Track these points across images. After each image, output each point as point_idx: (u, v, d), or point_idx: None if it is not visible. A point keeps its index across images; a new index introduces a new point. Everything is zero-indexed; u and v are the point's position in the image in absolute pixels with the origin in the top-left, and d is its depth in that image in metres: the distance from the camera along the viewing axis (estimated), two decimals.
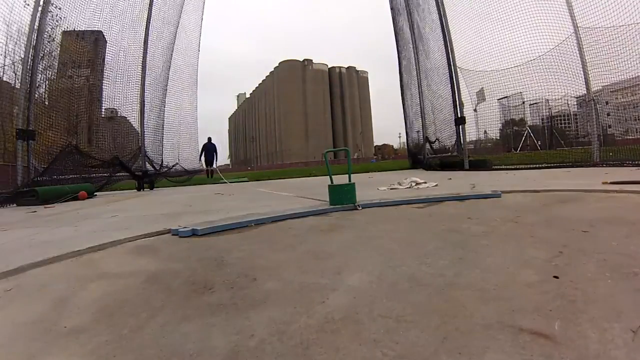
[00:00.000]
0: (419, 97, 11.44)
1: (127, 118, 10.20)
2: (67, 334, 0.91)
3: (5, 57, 6.91)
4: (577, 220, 1.85)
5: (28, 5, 6.85)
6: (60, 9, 7.66)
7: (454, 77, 9.20)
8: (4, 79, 7.20)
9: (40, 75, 7.38)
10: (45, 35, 7.29)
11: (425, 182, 4.46)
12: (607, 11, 6.22)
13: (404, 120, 12.95)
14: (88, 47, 9.11)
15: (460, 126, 9.09)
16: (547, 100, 9.54)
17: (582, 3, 6.57)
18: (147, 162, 10.20)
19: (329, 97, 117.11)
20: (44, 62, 7.57)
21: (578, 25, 6.71)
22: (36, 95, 7.25)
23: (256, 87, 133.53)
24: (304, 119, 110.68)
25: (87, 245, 1.89)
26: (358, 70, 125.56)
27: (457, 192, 3.16)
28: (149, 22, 10.37)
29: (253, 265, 1.43)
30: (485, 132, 10.69)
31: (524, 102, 9.95)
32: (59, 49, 8.11)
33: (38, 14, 6.99)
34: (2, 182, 6.68)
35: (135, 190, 9.06)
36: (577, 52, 6.75)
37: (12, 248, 2.06)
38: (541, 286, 1.01)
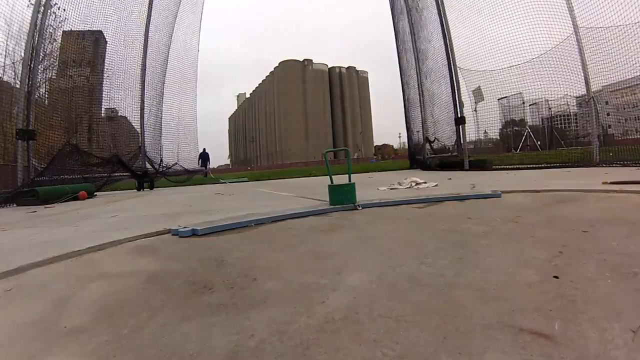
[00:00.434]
0: (419, 97, 11.44)
1: (127, 118, 10.20)
2: (67, 334, 0.91)
3: (5, 57, 6.92)
4: (577, 220, 1.85)
5: (32, 4, 6.85)
6: (64, 10, 7.67)
7: (454, 77, 9.20)
8: (4, 79, 7.20)
9: (40, 75, 7.38)
10: (46, 35, 7.29)
11: (425, 182, 4.46)
12: (607, 11, 6.22)
13: (404, 120, 12.95)
14: (88, 47, 9.12)
15: (460, 126, 9.09)
16: (547, 100, 9.54)
17: (582, 3, 6.57)
18: (147, 162, 10.20)
19: (329, 97, 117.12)
20: (45, 62, 7.57)
21: (578, 25, 6.71)
22: (36, 95, 7.25)
23: (256, 87, 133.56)
24: (304, 119, 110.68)
25: (87, 245, 1.89)
26: (358, 70, 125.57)
27: (457, 192, 3.16)
28: (149, 22, 10.37)
29: (253, 265, 1.43)
30: (485, 132, 10.69)
31: (523, 102, 9.94)
32: (59, 49, 8.11)
33: (39, 14, 6.99)
34: (2, 182, 6.68)
35: (135, 190, 9.06)
36: (577, 52, 6.75)
37: (12, 248, 2.06)
38: (541, 286, 1.01)
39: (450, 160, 9.31)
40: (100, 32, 9.11)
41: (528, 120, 12.69)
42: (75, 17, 8.09)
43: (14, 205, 5.92)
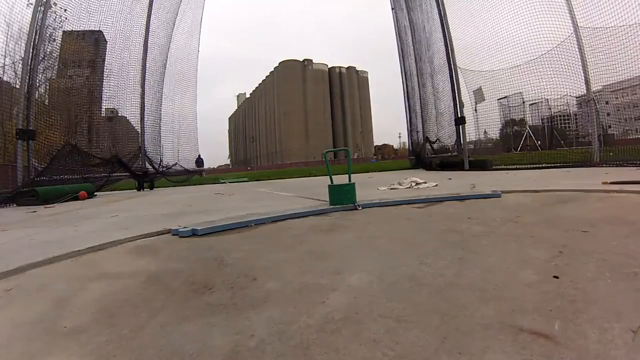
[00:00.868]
0: (419, 97, 11.45)
1: (127, 118, 10.21)
2: (67, 334, 0.91)
3: (5, 57, 6.92)
4: (577, 220, 1.85)
5: (31, 4, 6.85)
6: (65, 10, 7.67)
7: (454, 77, 9.20)
8: (4, 79, 7.20)
9: (40, 75, 7.38)
10: (46, 35, 7.29)
11: (425, 182, 4.46)
12: (607, 11, 6.22)
13: (405, 120, 12.97)
14: (88, 47, 9.12)
15: (461, 126, 9.09)
16: (547, 100, 9.54)
17: (582, 3, 6.57)
18: (147, 162, 10.20)
19: (329, 97, 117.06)
20: (45, 62, 7.57)
21: (578, 25, 6.71)
22: (36, 95, 7.25)
23: (256, 87, 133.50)
24: (304, 119, 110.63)
25: (87, 245, 1.89)
26: (358, 70, 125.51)
27: (457, 192, 3.16)
28: (149, 22, 10.37)
29: (253, 265, 1.43)
30: (485, 132, 10.70)
31: (524, 102, 9.95)
32: (59, 48, 8.12)
33: (39, 14, 6.99)
34: (2, 182, 6.68)
35: (135, 190, 9.06)
36: (577, 52, 6.75)
37: (12, 248, 2.06)
38: (541, 286, 1.01)
39: (450, 160, 9.31)
40: (100, 32, 9.12)
41: (528, 120, 12.69)
42: (75, 16, 8.09)
43: (14, 205, 5.92)
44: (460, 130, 9.10)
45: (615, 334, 0.73)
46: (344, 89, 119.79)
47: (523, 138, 15.62)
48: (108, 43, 9.36)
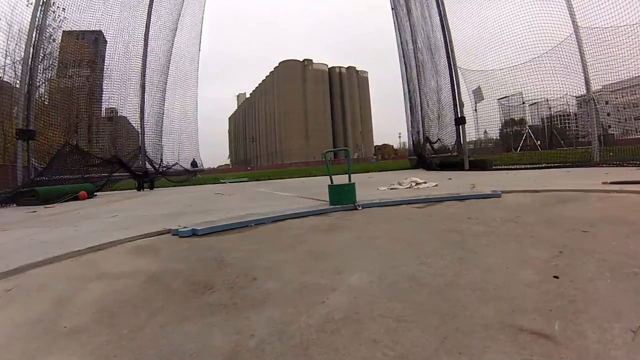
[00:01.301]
0: (420, 97, 11.45)
1: (127, 118, 10.21)
2: (67, 334, 0.91)
3: (5, 57, 6.92)
4: (577, 220, 1.85)
5: (31, 4, 6.85)
6: (64, 9, 7.66)
7: (454, 77, 9.20)
8: (4, 78, 7.20)
9: (40, 75, 7.38)
10: (46, 35, 7.29)
11: (425, 182, 4.46)
12: (607, 11, 6.22)
13: (405, 120, 12.97)
14: (88, 47, 9.12)
15: (461, 126, 9.09)
16: (547, 100, 9.54)
17: (582, 3, 6.57)
18: (147, 162, 10.20)
19: (329, 97, 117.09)
20: (45, 62, 7.57)
21: (578, 25, 6.71)
22: (36, 95, 7.25)
23: (256, 87, 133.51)
24: (304, 119, 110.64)
25: (87, 245, 1.89)
26: (358, 70, 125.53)
27: (457, 192, 3.16)
28: (149, 22, 10.37)
29: (253, 265, 1.43)
30: (485, 132, 10.70)
31: (524, 102, 9.94)
32: (59, 48, 8.12)
33: (39, 14, 6.99)
34: (2, 182, 6.68)
35: (135, 190, 9.06)
36: (577, 52, 6.75)
37: (12, 248, 2.06)
38: (541, 286, 1.01)
39: (450, 160, 9.32)
40: (100, 32, 9.12)
41: (528, 120, 12.70)
42: (75, 16, 8.09)
43: (14, 205, 5.92)
44: (460, 130, 9.10)
45: (615, 334, 0.73)
46: (344, 89, 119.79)
47: (523, 138, 15.63)
48: (108, 43, 9.36)
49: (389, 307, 0.94)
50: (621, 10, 6.10)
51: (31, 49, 6.85)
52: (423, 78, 11.10)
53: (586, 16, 6.57)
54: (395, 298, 1.00)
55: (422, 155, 11.12)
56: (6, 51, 6.89)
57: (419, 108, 11.55)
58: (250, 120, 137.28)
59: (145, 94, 10.31)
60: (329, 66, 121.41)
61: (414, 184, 4.42)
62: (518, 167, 7.39)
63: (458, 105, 9.13)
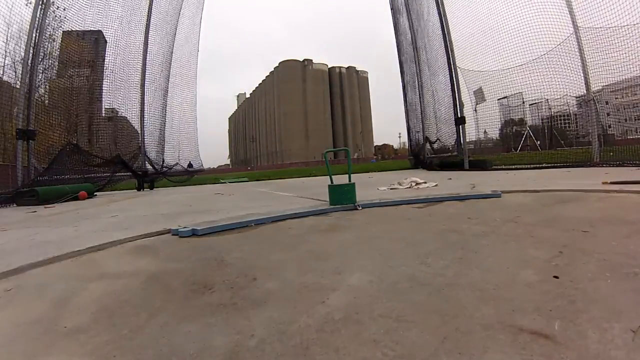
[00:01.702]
0: (420, 97, 11.45)
1: (127, 118, 10.21)
2: (67, 334, 0.91)
3: (5, 57, 6.92)
4: (577, 220, 1.85)
5: (30, 3, 6.85)
6: (64, 9, 7.66)
7: (454, 77, 9.20)
8: (4, 78, 7.20)
9: (40, 75, 7.38)
10: (46, 35, 7.29)
11: (425, 182, 4.46)
12: (607, 11, 6.22)
13: (404, 120, 12.96)
14: (88, 47, 9.12)
15: (461, 126, 9.09)
16: (547, 100, 9.54)
17: (582, 3, 6.57)
18: (147, 162, 10.20)
19: (329, 97, 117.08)
20: (45, 62, 7.57)
21: (578, 25, 6.71)
22: (36, 95, 7.25)
23: (256, 87, 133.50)
24: (304, 119, 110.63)
25: (87, 245, 1.89)
26: (358, 70, 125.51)
27: (457, 192, 3.16)
28: (149, 22, 10.37)
29: (253, 265, 1.43)
30: (485, 132, 10.70)
31: (524, 102, 9.95)
32: (59, 48, 8.11)
33: (39, 14, 6.99)
34: (2, 182, 6.68)
35: (136, 190, 9.06)
36: (577, 52, 6.75)
37: (12, 248, 2.06)
38: (541, 286, 1.01)
39: (450, 160, 9.32)
40: (99, 31, 9.11)
41: (528, 120, 12.70)
42: (75, 16, 8.09)
43: (14, 205, 5.92)
44: (460, 130, 9.10)
45: (615, 334, 0.73)
46: (344, 89, 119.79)
47: (523, 138, 15.64)
48: (108, 43, 9.35)
49: (389, 307, 0.94)
50: (621, 10, 6.10)
51: (31, 49, 6.85)
52: (423, 78, 11.10)
53: (586, 16, 6.57)
54: (395, 298, 1.00)
55: (421, 155, 11.13)
56: (6, 51, 6.89)
57: (419, 108, 11.55)
58: (250, 120, 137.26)
59: (145, 94, 10.31)
60: (329, 66, 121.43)
61: (414, 184, 4.42)
62: (518, 167, 7.39)
63: (458, 105, 9.13)
